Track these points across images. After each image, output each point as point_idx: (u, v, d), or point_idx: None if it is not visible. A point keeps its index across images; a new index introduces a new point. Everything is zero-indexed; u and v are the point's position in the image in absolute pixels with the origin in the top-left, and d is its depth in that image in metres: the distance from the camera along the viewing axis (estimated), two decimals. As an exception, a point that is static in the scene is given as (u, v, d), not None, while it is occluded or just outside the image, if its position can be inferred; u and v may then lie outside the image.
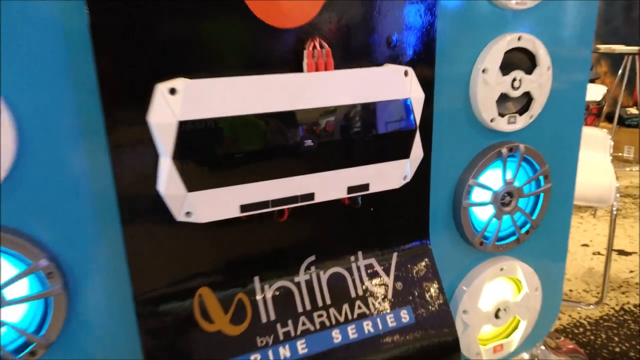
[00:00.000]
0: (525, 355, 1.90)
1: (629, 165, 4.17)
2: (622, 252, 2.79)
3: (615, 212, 1.61)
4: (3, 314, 0.65)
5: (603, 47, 3.39)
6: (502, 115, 0.93)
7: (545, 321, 1.15)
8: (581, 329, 2.08)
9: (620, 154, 4.50)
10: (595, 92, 3.60)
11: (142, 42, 0.60)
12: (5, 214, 0.62)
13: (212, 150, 0.62)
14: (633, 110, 3.97)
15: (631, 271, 2.57)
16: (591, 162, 1.63)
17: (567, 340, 2.00)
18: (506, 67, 0.90)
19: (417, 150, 0.77)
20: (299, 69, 0.69)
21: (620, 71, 3.17)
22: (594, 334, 2.05)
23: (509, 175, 0.97)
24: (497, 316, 1.05)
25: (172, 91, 0.60)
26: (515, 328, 1.10)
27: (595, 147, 1.71)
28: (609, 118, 3.83)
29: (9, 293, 0.64)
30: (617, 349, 1.96)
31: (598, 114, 4.35)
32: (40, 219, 0.64)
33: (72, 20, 0.60)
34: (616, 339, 2.02)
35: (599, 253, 2.77)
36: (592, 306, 2.00)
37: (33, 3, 0.58)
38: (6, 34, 0.58)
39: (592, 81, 4.79)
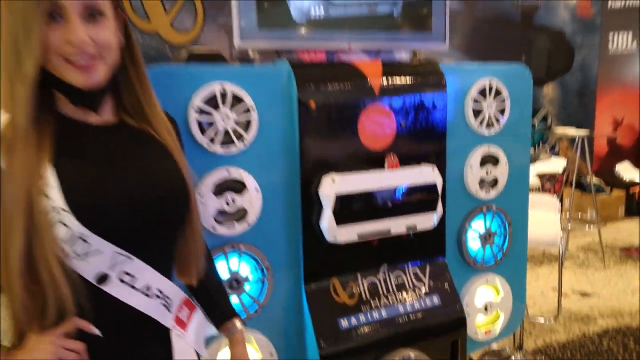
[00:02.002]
0: (510, 364, 2.52)
1: (591, 225, 4.93)
2: (584, 294, 3.46)
3: (561, 253, 2.32)
4: (246, 287, 1.31)
5: (560, 130, 4.27)
6: (481, 189, 1.67)
7: (516, 315, 1.81)
8: (552, 349, 2.71)
9: (585, 215, 5.29)
10: (557, 165, 4.44)
11: (317, 161, 1.33)
12: (253, 238, 1.31)
13: (349, 207, 1.34)
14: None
15: (590, 307, 3.24)
16: (544, 218, 2.37)
17: (543, 357, 2.63)
18: (483, 164, 1.65)
19: (439, 208, 1.49)
20: (382, 167, 1.42)
21: (574, 149, 4.00)
22: (562, 352, 2.68)
23: (487, 223, 1.69)
24: (485, 310, 1.72)
25: (333, 180, 1.32)
26: (498, 319, 1.77)
27: (547, 208, 2.46)
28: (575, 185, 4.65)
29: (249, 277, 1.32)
30: (578, 362, 2.59)
31: (564, 181, 5.18)
32: (265, 241, 1.33)
33: (288, 142, 1.33)
34: (578, 355, 2.65)
35: (565, 295, 3.44)
36: (552, 319, 2.65)
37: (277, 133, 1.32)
38: (258, 147, 1.30)
39: (556, 154, 5.70)
